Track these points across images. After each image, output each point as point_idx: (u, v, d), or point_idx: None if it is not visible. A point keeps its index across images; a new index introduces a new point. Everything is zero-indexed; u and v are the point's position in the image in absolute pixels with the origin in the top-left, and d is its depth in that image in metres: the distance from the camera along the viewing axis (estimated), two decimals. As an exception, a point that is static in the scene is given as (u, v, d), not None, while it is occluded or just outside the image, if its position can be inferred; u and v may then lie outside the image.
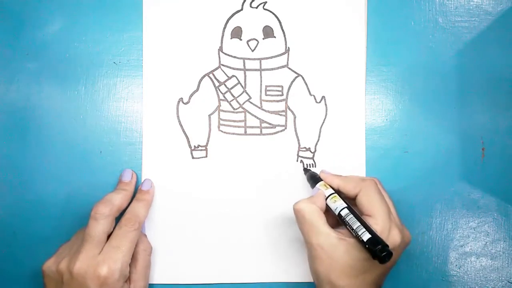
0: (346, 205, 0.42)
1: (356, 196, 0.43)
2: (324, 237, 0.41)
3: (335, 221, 0.43)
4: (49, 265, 0.42)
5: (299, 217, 0.43)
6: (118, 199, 0.44)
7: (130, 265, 0.43)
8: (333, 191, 0.44)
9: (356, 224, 0.40)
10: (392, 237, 0.41)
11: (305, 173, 0.48)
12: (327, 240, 0.41)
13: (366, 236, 0.39)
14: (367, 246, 0.38)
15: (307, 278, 0.48)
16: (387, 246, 0.38)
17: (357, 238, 0.40)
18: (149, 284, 0.47)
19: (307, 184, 0.48)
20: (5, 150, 0.48)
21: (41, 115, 0.48)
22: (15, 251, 0.48)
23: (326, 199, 0.44)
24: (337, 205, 0.43)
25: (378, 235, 0.39)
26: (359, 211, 0.43)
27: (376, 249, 0.38)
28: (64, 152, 0.48)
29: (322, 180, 0.45)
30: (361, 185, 0.43)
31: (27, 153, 0.48)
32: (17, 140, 0.48)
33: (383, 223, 0.41)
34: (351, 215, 0.41)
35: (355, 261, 0.40)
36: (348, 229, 0.41)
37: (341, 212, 0.42)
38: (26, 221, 0.48)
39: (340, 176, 0.46)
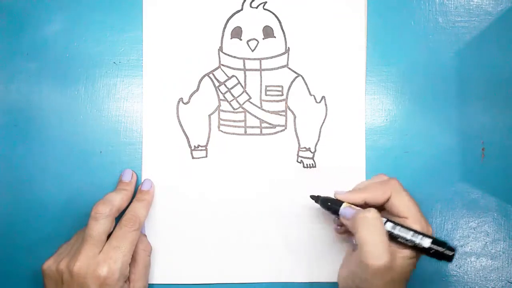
0: (385, 219, 0.40)
1: (386, 201, 0.42)
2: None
3: None
4: (49, 264, 0.42)
5: (377, 222, 0.40)
6: (118, 199, 0.44)
7: (130, 265, 0.43)
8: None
9: (409, 234, 0.39)
10: (430, 233, 0.41)
11: (316, 201, 0.45)
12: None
13: (426, 242, 0.38)
14: (431, 251, 0.38)
15: (307, 278, 0.48)
16: (446, 242, 0.38)
17: (414, 247, 0.39)
18: (149, 284, 0.47)
19: (307, 184, 0.48)
20: (5, 150, 0.48)
21: (41, 115, 0.48)
22: (15, 250, 0.48)
23: None
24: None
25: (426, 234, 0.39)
26: (392, 216, 0.42)
27: (444, 249, 0.38)
28: (64, 152, 0.48)
29: (342, 201, 0.43)
30: (389, 189, 0.42)
31: (27, 153, 0.48)
32: (17, 140, 0.48)
33: (421, 222, 0.40)
34: (399, 226, 0.40)
35: (407, 272, 0.40)
36: (399, 242, 0.39)
37: (386, 227, 0.40)
38: (26, 221, 0.48)
39: (359, 189, 0.44)
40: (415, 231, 0.39)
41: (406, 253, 0.39)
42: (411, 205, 0.41)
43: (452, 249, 0.39)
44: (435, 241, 0.39)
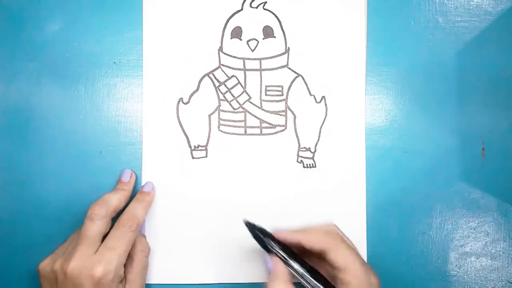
0: (306, 268, 0.40)
1: (322, 250, 0.40)
2: None
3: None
4: (45, 265, 0.42)
5: None
6: (115, 199, 0.44)
7: (126, 266, 0.43)
8: (289, 253, 0.40)
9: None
10: (373, 283, 0.40)
11: (249, 229, 0.41)
12: None
13: None
14: None
15: (307, 278, 0.48)
16: None
17: None
18: (149, 284, 0.47)
19: (307, 184, 0.48)
20: (5, 150, 0.48)
21: (41, 115, 0.48)
22: (15, 250, 0.48)
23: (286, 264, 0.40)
24: (296, 269, 0.40)
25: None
26: (329, 265, 0.40)
27: None
28: (64, 152, 0.48)
29: (272, 237, 0.41)
30: (327, 242, 0.40)
31: (27, 153, 0.48)
32: (17, 140, 0.48)
33: (360, 273, 0.39)
34: (313, 281, 0.39)
35: None
36: None
37: (301, 277, 0.40)
38: (26, 221, 0.48)
39: (298, 231, 0.42)
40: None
41: None
42: (350, 257, 0.40)
43: None
44: None
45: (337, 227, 0.43)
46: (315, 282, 0.39)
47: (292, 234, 0.41)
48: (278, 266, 0.40)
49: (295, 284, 0.40)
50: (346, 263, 0.40)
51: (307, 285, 0.40)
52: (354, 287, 0.39)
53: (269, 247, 0.40)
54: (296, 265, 0.40)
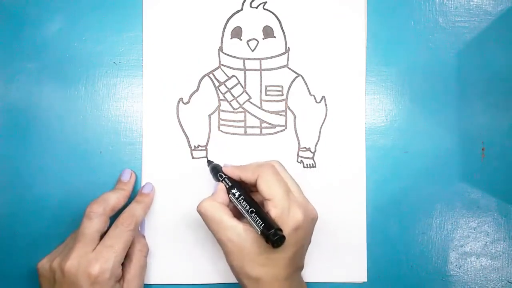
0: (241, 195, 0.42)
1: (255, 183, 0.43)
2: (231, 230, 0.41)
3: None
4: (43, 263, 0.42)
5: (203, 217, 0.43)
6: (114, 198, 0.44)
7: (124, 265, 0.44)
8: (233, 183, 0.44)
9: (249, 212, 0.40)
10: (293, 216, 0.40)
11: (208, 165, 0.47)
12: (234, 233, 0.41)
13: (259, 223, 0.39)
14: (260, 232, 0.39)
15: (306, 278, 0.48)
16: (280, 229, 0.38)
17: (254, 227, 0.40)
18: (148, 284, 0.47)
19: (307, 184, 0.48)
20: (5, 150, 0.48)
21: (41, 115, 0.48)
22: (15, 250, 0.48)
23: (229, 193, 0.43)
24: (236, 195, 0.43)
25: (274, 218, 0.40)
26: (261, 198, 0.42)
27: (269, 233, 0.38)
28: (64, 152, 0.48)
29: (223, 173, 0.45)
30: (259, 171, 0.43)
31: (27, 153, 0.48)
32: (17, 140, 0.48)
33: (282, 204, 0.40)
34: (245, 204, 0.41)
35: (263, 248, 0.40)
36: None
37: (237, 203, 0.42)
38: (26, 221, 0.48)
39: (240, 166, 0.45)
40: (258, 212, 0.40)
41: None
42: (275, 188, 0.41)
43: (279, 236, 0.38)
44: (265, 225, 0.39)
45: (279, 163, 0.45)
46: (247, 206, 0.41)
47: (233, 169, 0.45)
48: (219, 188, 0.44)
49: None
50: (269, 193, 0.41)
51: (242, 210, 0.42)
52: (274, 215, 0.40)
53: (220, 178, 0.45)
54: (235, 191, 0.43)
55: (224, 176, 0.45)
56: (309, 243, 0.44)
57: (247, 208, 0.41)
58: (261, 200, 0.43)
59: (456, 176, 0.50)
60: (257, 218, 0.40)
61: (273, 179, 0.42)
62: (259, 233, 0.39)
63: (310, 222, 0.42)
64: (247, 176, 0.43)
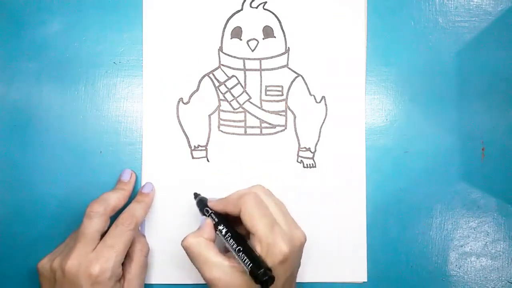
0: (228, 232, 0.41)
1: (239, 215, 0.41)
2: (217, 268, 0.39)
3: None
4: (44, 263, 0.42)
5: (189, 254, 0.41)
6: (114, 198, 0.44)
7: (125, 265, 0.43)
8: (219, 219, 0.42)
9: (236, 251, 0.39)
10: (279, 250, 0.39)
11: (194, 198, 0.46)
12: (220, 271, 0.39)
13: (247, 263, 0.38)
14: (248, 272, 0.37)
15: (306, 278, 0.48)
16: (269, 269, 0.37)
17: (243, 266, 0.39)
18: (148, 284, 0.47)
19: (307, 184, 0.48)
20: (5, 150, 0.48)
21: (41, 115, 0.48)
22: (15, 250, 0.48)
23: (216, 229, 0.42)
24: (222, 232, 0.41)
25: (260, 255, 0.38)
26: (247, 230, 0.41)
27: (258, 273, 0.37)
28: (64, 152, 0.48)
29: (209, 208, 0.44)
30: (240, 203, 0.41)
31: (27, 153, 0.48)
32: (17, 140, 0.48)
33: (266, 239, 0.39)
34: (232, 241, 0.40)
35: (252, 286, 0.39)
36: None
37: (224, 240, 0.41)
38: (26, 221, 0.48)
39: (223, 199, 0.43)
40: (245, 250, 0.39)
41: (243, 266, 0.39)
42: (256, 221, 0.39)
43: (269, 277, 0.37)
44: (253, 266, 0.37)
45: (262, 188, 0.43)
46: (234, 244, 0.40)
47: (218, 203, 0.43)
48: (206, 223, 0.42)
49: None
50: (253, 227, 0.39)
51: (230, 248, 0.40)
52: (259, 252, 0.39)
53: (206, 213, 0.44)
54: (222, 227, 0.42)
55: (210, 212, 0.43)
56: (299, 266, 0.43)
57: (234, 246, 0.40)
58: (246, 233, 0.41)
59: (456, 176, 0.50)
60: (245, 258, 0.38)
61: (255, 212, 0.40)
62: (248, 273, 0.38)
63: (297, 251, 0.41)
64: (230, 210, 0.42)
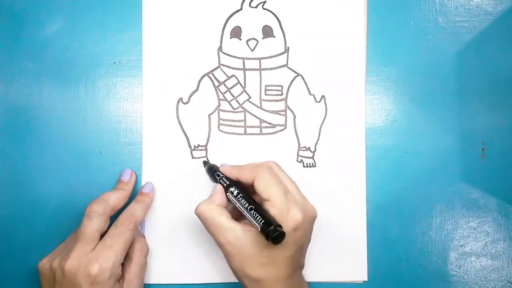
0: (240, 194, 0.42)
1: (253, 184, 0.43)
2: (229, 232, 0.41)
3: (241, 213, 0.43)
4: (44, 263, 0.42)
5: (202, 220, 0.42)
6: (114, 198, 0.44)
7: (124, 265, 0.43)
8: (230, 182, 0.44)
9: (248, 209, 0.40)
10: (292, 216, 0.40)
11: (204, 166, 0.47)
12: (232, 234, 0.41)
13: (259, 220, 0.39)
14: (260, 229, 0.39)
15: (306, 277, 0.48)
16: (279, 226, 0.38)
17: (254, 224, 0.40)
18: (148, 284, 0.47)
19: (307, 184, 0.48)
20: (5, 150, 0.48)
21: (41, 115, 0.48)
22: (15, 250, 0.48)
23: (227, 192, 0.43)
24: (234, 193, 0.43)
25: (273, 217, 0.40)
26: (259, 198, 0.42)
27: (269, 230, 0.38)
28: (64, 152, 0.48)
29: (220, 173, 0.45)
30: (256, 171, 0.42)
31: (27, 153, 0.48)
32: (17, 140, 0.48)
33: (280, 204, 0.40)
34: (244, 201, 0.41)
35: (263, 248, 0.40)
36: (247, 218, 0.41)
37: (235, 201, 0.42)
38: (26, 221, 0.48)
39: (237, 166, 0.45)
40: (258, 210, 0.40)
41: (255, 230, 0.40)
42: (272, 188, 0.41)
43: (279, 232, 0.38)
44: (265, 222, 0.38)
45: (276, 164, 0.44)
46: (246, 203, 0.41)
47: (231, 169, 0.45)
48: (216, 190, 0.44)
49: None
50: (267, 193, 0.41)
51: (241, 207, 0.41)
52: (273, 215, 0.40)
53: (217, 177, 0.45)
54: (233, 189, 0.43)
55: (221, 176, 0.45)
56: (309, 241, 0.44)
57: (246, 205, 0.41)
58: (259, 201, 0.42)
59: (456, 176, 0.49)
60: (257, 215, 0.39)
61: (271, 179, 0.42)
62: (259, 230, 0.39)
63: (309, 222, 0.42)
64: (244, 177, 0.43)
